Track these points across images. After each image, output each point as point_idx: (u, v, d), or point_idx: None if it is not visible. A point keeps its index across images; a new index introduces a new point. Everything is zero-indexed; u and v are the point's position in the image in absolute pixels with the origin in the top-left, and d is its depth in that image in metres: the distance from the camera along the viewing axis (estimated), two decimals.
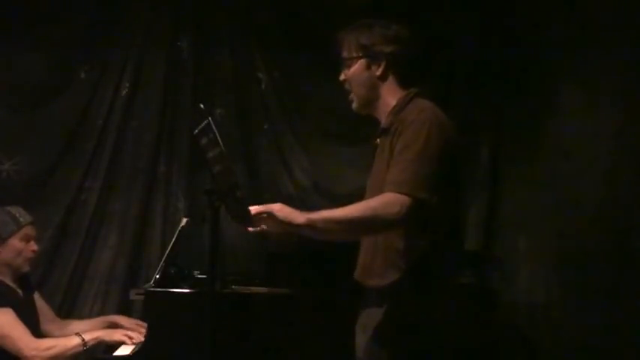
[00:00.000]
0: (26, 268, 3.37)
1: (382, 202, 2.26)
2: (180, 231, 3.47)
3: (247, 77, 4.28)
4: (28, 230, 3.37)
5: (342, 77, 2.58)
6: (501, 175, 3.99)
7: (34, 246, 3.38)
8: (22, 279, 3.39)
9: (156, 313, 3.07)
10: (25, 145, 4.09)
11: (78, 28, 4.16)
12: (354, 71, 2.53)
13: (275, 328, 3.03)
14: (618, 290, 3.16)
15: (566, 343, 3.44)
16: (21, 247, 3.32)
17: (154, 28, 4.22)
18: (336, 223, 2.31)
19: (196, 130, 2.97)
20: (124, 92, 4.17)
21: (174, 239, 3.45)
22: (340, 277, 3.11)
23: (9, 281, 3.32)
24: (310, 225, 2.32)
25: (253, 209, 2.41)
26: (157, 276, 3.23)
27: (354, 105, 2.57)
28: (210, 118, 2.87)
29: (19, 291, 3.35)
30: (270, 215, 2.36)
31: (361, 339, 2.47)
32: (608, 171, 3.26)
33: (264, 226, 2.40)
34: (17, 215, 3.35)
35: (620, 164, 3.21)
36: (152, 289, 3.14)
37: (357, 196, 4.12)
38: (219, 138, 2.79)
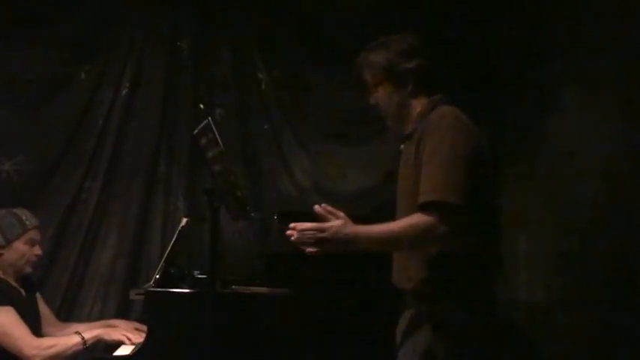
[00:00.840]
0: (28, 270, 3.38)
1: (422, 224, 2.26)
2: (180, 231, 3.47)
3: (247, 77, 4.28)
4: (33, 234, 3.36)
5: (371, 101, 2.58)
6: (501, 175, 3.99)
7: (38, 250, 3.38)
8: (24, 279, 3.39)
9: (156, 313, 3.07)
10: (25, 145, 4.08)
11: (78, 27, 4.16)
12: (384, 95, 2.53)
13: (275, 328, 3.03)
14: (618, 290, 3.16)
15: (566, 343, 3.44)
16: (25, 250, 3.32)
17: (154, 28, 4.22)
18: (384, 244, 2.35)
19: (196, 130, 2.98)
20: (124, 92, 4.17)
21: (174, 239, 3.45)
22: (341, 277, 3.12)
23: (12, 281, 3.32)
24: (359, 244, 2.31)
25: (307, 226, 2.29)
26: (157, 276, 3.23)
27: (390, 124, 2.58)
28: (210, 118, 2.88)
29: (22, 290, 3.35)
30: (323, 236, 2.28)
31: (399, 342, 2.48)
32: (608, 171, 3.25)
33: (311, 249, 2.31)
34: (24, 218, 3.35)
35: (620, 164, 3.20)
36: (152, 289, 3.14)
37: (358, 196, 4.17)
38: (219, 138, 2.80)
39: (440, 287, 2.36)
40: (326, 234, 2.27)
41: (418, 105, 2.50)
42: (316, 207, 2.32)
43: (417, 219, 2.28)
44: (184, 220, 3.55)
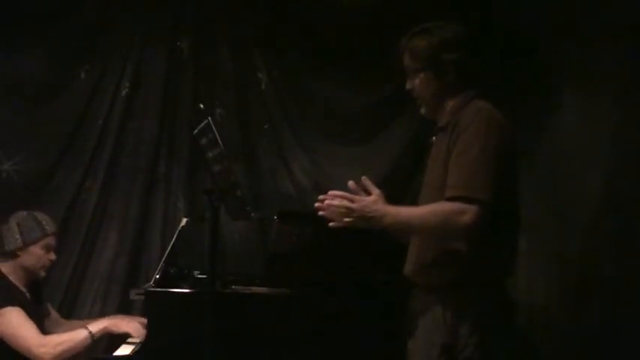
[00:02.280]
0: (42, 274, 3.39)
1: (451, 210, 2.27)
2: (180, 231, 3.48)
3: (247, 77, 4.28)
4: (51, 240, 3.38)
5: (408, 86, 2.55)
6: None
7: (52, 256, 3.40)
8: (33, 286, 3.40)
9: (156, 313, 3.07)
10: (25, 145, 4.08)
11: (78, 28, 4.16)
12: (422, 83, 2.50)
13: (275, 328, 3.03)
14: (618, 290, 3.16)
15: (566, 343, 3.44)
16: (41, 254, 3.34)
17: (154, 28, 4.22)
18: (410, 227, 2.38)
19: (196, 130, 2.98)
20: (124, 92, 4.17)
21: (174, 239, 3.46)
22: (341, 277, 3.12)
23: (20, 285, 3.33)
24: (390, 226, 2.35)
25: (335, 194, 2.35)
26: (157, 276, 3.23)
27: (423, 111, 2.55)
28: (210, 118, 2.88)
29: (28, 295, 3.36)
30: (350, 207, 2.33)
31: (411, 339, 2.48)
32: (608, 171, 3.25)
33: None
34: (44, 223, 3.37)
35: (620, 164, 3.20)
36: (152, 289, 3.14)
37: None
38: (219, 138, 2.80)
39: (457, 280, 2.36)
40: (355, 205, 2.31)
41: (454, 97, 2.47)
42: (351, 183, 2.37)
43: (445, 205, 2.29)
44: (184, 220, 3.56)
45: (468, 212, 2.24)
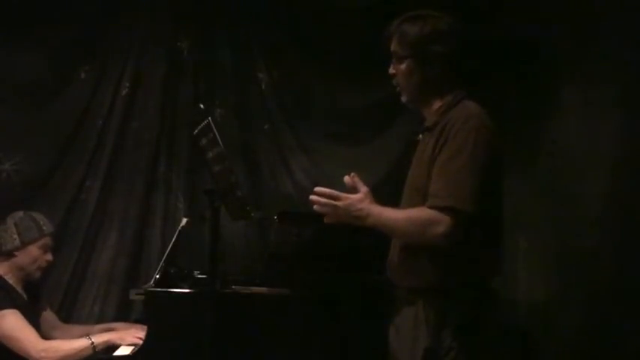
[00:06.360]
0: (38, 275, 3.39)
1: (428, 219, 2.24)
2: (180, 231, 3.47)
3: (247, 77, 4.28)
4: (48, 240, 3.38)
5: (391, 71, 2.45)
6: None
7: (49, 256, 3.39)
8: (29, 286, 3.40)
9: (156, 313, 3.07)
10: (25, 145, 4.08)
11: (78, 28, 4.16)
12: (405, 70, 2.40)
13: (275, 328, 3.03)
14: (618, 290, 3.16)
15: (566, 343, 3.44)
16: (38, 255, 3.33)
17: (154, 28, 4.22)
18: (390, 231, 2.35)
19: (196, 130, 2.98)
20: (124, 92, 4.17)
21: (174, 239, 3.46)
22: (340, 277, 3.12)
23: (16, 285, 3.33)
24: (369, 222, 2.33)
25: (323, 192, 2.33)
26: (157, 276, 3.23)
27: (403, 99, 2.47)
28: (210, 118, 2.88)
29: (24, 296, 3.36)
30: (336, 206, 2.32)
31: (394, 340, 2.44)
32: (609, 170, 3.25)
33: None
34: (41, 223, 3.37)
35: (620, 164, 3.21)
36: (152, 289, 3.14)
37: None
38: (219, 138, 2.80)
39: (440, 283, 2.31)
40: (340, 204, 2.31)
41: (441, 96, 2.39)
42: (346, 178, 2.38)
43: (423, 213, 2.25)
44: (184, 220, 3.55)
45: (443, 222, 2.21)
